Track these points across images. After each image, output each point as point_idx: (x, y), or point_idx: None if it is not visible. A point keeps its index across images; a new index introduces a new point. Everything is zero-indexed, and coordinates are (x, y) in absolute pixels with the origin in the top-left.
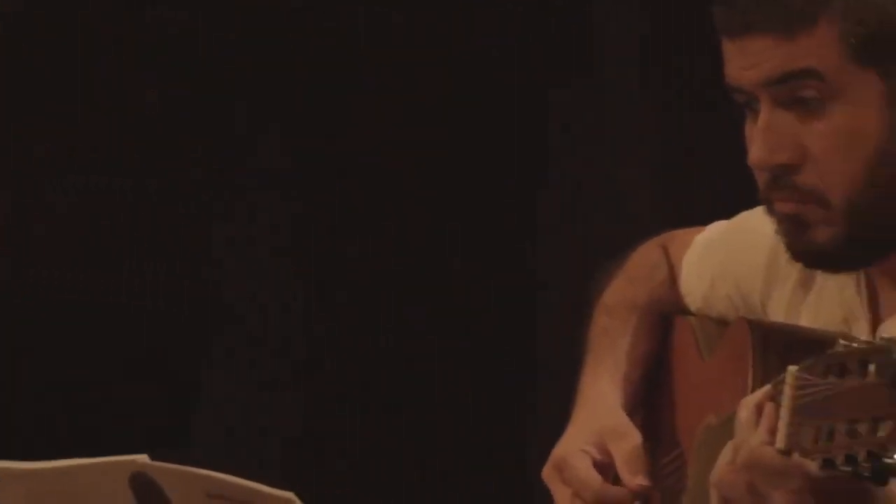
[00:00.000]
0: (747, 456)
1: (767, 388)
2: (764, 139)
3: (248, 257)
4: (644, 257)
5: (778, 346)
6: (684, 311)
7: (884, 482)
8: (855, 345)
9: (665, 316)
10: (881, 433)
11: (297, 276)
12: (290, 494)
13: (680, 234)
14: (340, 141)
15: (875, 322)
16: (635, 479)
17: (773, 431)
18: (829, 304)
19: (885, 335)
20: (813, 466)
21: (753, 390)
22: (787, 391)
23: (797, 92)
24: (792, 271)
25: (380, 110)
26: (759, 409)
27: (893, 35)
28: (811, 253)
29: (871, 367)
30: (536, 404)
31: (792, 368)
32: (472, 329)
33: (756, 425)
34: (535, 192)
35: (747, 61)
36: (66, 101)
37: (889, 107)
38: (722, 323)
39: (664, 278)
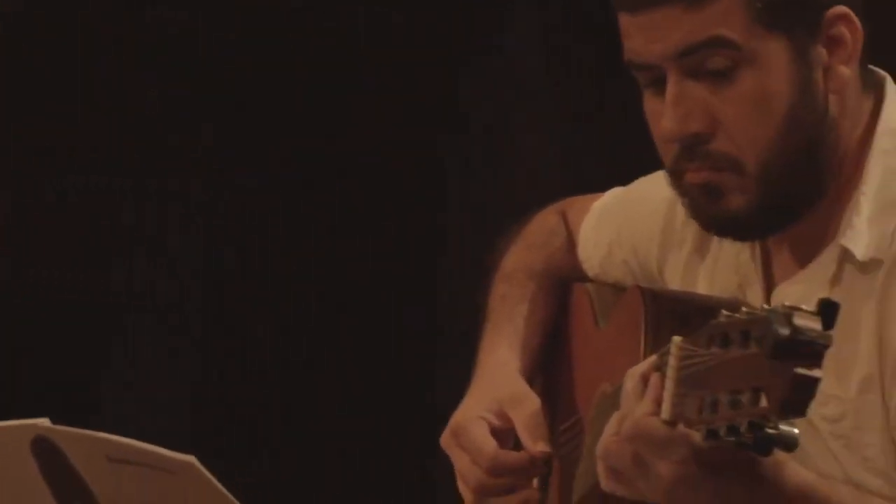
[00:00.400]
0: (632, 427)
1: (653, 358)
2: (674, 111)
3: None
4: (542, 224)
5: (670, 313)
6: (582, 277)
7: (766, 452)
8: (737, 315)
9: (563, 282)
10: (762, 403)
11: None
12: (190, 458)
13: (578, 200)
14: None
15: (769, 287)
16: (537, 445)
17: (658, 402)
18: (725, 269)
19: (771, 305)
20: (697, 437)
21: (645, 359)
22: (672, 362)
23: (706, 61)
24: (687, 236)
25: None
26: (644, 380)
27: None
28: (723, 221)
29: (752, 338)
30: (436, 372)
31: (676, 339)
32: (370, 297)
33: (641, 396)
34: (441, 165)
35: (653, 34)
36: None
37: (797, 70)
38: (619, 289)
39: (562, 244)
